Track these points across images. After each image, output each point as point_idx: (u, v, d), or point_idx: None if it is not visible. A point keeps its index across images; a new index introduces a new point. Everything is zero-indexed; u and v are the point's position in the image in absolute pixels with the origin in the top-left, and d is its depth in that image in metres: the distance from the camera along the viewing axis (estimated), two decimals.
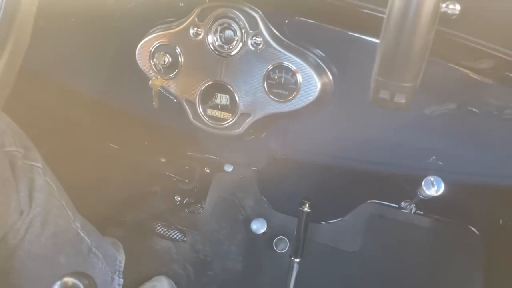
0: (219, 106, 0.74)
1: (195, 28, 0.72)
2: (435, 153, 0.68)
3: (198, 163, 1.49)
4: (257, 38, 0.69)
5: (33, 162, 0.78)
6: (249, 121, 0.73)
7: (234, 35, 0.70)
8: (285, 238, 1.30)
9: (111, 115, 1.12)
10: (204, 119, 0.76)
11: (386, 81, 0.47)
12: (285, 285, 1.26)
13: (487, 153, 0.66)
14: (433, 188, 0.65)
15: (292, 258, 1.02)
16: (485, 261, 1.18)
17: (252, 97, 0.71)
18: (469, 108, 0.63)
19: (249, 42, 0.69)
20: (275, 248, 1.30)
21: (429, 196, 0.66)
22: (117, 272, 0.96)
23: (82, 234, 0.86)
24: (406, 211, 1.29)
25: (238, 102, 0.72)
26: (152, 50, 0.75)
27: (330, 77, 0.68)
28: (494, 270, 1.15)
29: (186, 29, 0.72)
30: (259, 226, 1.33)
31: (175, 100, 0.79)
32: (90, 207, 1.28)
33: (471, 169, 0.70)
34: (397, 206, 1.30)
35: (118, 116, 1.09)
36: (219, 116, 0.75)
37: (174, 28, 0.74)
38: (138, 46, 0.76)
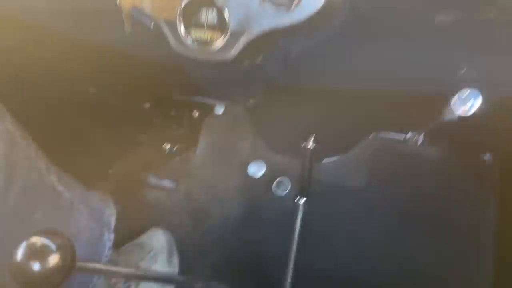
0: (205, 25, 0.61)
1: None
2: (465, 63, 0.57)
3: (186, 107, 1.38)
4: None
5: None
6: (242, 41, 0.60)
7: None
8: (286, 180, 1.22)
9: (82, 54, 0.98)
10: (188, 43, 0.63)
11: None
12: (289, 228, 1.19)
13: None
14: (469, 103, 0.55)
15: (296, 199, 0.94)
16: (499, 188, 1.11)
17: (245, 10, 0.59)
18: None
19: None
20: (275, 191, 1.22)
21: (461, 114, 0.56)
22: (106, 227, 0.87)
23: (60, 188, 0.76)
24: (412, 142, 1.20)
25: (227, 17, 0.59)
26: None
27: None
28: (509, 197, 1.09)
29: None
30: (256, 170, 1.24)
31: (151, 24, 0.66)
32: (73, 161, 1.18)
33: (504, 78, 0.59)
34: (403, 138, 1.22)
35: (90, 55, 0.95)
36: (206, 37, 0.62)
37: None
38: None
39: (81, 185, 0.87)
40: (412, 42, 0.61)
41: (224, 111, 1.33)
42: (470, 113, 0.56)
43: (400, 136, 1.22)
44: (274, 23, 0.59)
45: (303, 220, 1.04)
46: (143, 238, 1.19)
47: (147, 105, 1.36)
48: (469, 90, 0.56)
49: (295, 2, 0.56)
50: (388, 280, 1.16)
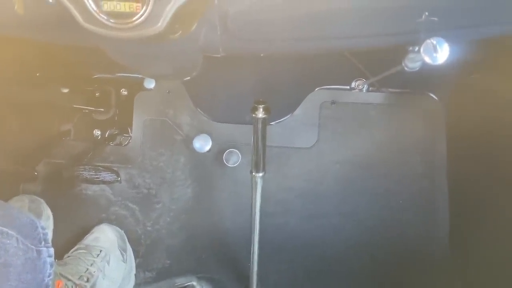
0: None
1: None
2: (424, 8, 0.50)
3: (111, 86, 1.22)
4: None
5: None
6: (170, 8, 0.49)
7: None
8: (236, 150, 1.14)
9: None
10: (102, 19, 0.50)
11: None
12: (245, 199, 1.14)
13: None
14: (437, 54, 0.50)
15: (253, 173, 0.87)
16: (446, 125, 1.12)
17: None
18: None
19: None
20: (226, 163, 1.14)
21: (432, 63, 0.51)
22: (43, 243, 0.74)
23: None
24: (358, 90, 1.17)
25: None
26: None
27: None
28: (456, 132, 1.10)
29: None
30: (202, 144, 1.14)
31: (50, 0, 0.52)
32: None
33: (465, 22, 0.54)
34: (348, 87, 1.18)
35: None
36: (122, 9, 0.50)
37: None
38: None
39: (1, 203, 0.73)
40: None
41: (156, 84, 1.20)
42: (440, 62, 0.50)
43: (344, 87, 1.18)
44: None
45: (246, 184, 0.99)
46: (88, 239, 1.07)
47: (65, 90, 1.19)
48: (434, 40, 0.50)
49: None
50: (349, 234, 1.15)
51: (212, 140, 1.15)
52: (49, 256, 0.75)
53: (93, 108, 1.21)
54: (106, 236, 1.08)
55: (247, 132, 1.16)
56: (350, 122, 1.17)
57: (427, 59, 0.51)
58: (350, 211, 1.15)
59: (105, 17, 0.50)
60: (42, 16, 0.56)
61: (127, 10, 0.50)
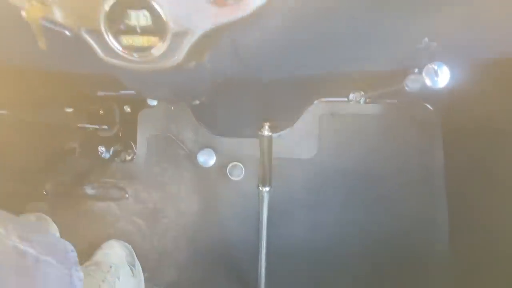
0: (138, 29, 0.52)
1: None
2: (425, 34, 0.54)
3: (115, 103, 1.25)
4: None
5: None
6: (187, 42, 0.52)
7: None
8: (239, 164, 1.17)
9: None
10: (122, 53, 0.53)
11: None
12: (249, 211, 1.16)
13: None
14: (438, 78, 0.53)
15: (260, 188, 0.90)
16: (443, 134, 1.16)
17: (186, 7, 0.50)
18: None
19: None
20: (230, 177, 1.17)
21: (433, 87, 0.54)
22: (74, 266, 0.76)
23: (23, 247, 0.64)
24: (355, 102, 1.21)
25: (165, 17, 0.50)
26: None
27: None
28: (452, 139, 1.14)
29: None
30: (207, 158, 1.17)
31: (68, 33, 0.55)
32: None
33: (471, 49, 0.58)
34: (346, 99, 1.21)
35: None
36: (141, 43, 0.53)
37: None
38: None
39: (39, 227, 0.75)
40: (364, 14, 0.57)
41: (159, 101, 1.22)
42: (441, 86, 0.54)
43: (342, 99, 1.21)
44: (219, 20, 0.51)
45: (255, 199, 1.02)
46: (98, 256, 1.09)
47: (69, 110, 1.21)
48: (435, 65, 0.54)
49: None
50: (352, 241, 1.18)
51: (216, 154, 1.18)
52: (80, 279, 0.77)
53: (97, 126, 1.23)
54: (115, 252, 1.10)
55: (249, 146, 1.19)
56: (349, 133, 1.21)
57: (429, 82, 0.54)
58: (352, 219, 1.19)
59: (124, 51, 0.53)
60: (60, 49, 0.58)
61: (146, 44, 0.53)
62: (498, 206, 0.97)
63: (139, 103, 1.24)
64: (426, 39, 0.55)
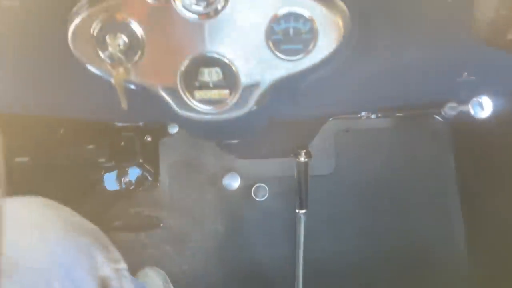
0: (211, 84, 0.56)
1: None
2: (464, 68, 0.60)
3: (136, 133, 1.28)
4: None
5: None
6: (257, 92, 0.56)
7: None
8: (263, 185, 1.21)
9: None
10: (196, 106, 0.57)
11: None
12: (274, 231, 1.21)
13: None
14: (483, 110, 0.59)
15: (298, 211, 0.95)
16: (452, 140, 1.23)
17: (256, 61, 0.54)
18: None
19: None
20: (255, 198, 1.21)
21: (474, 116, 0.60)
22: None
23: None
24: (368, 117, 1.27)
25: (237, 73, 0.55)
26: (96, 34, 0.51)
27: (347, 10, 0.53)
28: (462, 146, 1.22)
29: None
30: (231, 181, 1.21)
31: (144, 90, 0.59)
32: None
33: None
34: (358, 115, 1.27)
35: None
36: (214, 97, 0.57)
37: None
38: (70, 35, 0.52)
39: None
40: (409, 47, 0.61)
41: (180, 128, 1.26)
42: (483, 117, 0.60)
43: (355, 116, 1.27)
44: (287, 71, 0.56)
45: (281, 218, 1.06)
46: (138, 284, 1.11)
47: (91, 146, 1.24)
48: (480, 99, 0.60)
49: (310, 46, 0.53)
50: (375, 251, 1.24)
51: (240, 177, 1.22)
52: None
53: (120, 157, 1.26)
54: (151, 280, 1.13)
55: (271, 166, 1.24)
56: (364, 147, 1.27)
57: (472, 112, 0.60)
58: (372, 229, 1.25)
59: (198, 104, 0.57)
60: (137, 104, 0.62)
61: (218, 97, 0.57)
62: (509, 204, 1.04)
63: (159, 132, 1.27)
64: (466, 73, 0.61)
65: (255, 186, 1.21)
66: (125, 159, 1.27)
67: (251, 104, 0.57)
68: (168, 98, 0.57)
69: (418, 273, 1.22)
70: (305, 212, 0.95)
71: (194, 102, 0.57)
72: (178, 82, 0.55)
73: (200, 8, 0.51)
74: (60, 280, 0.58)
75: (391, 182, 1.25)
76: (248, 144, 1.28)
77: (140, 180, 1.27)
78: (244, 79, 0.55)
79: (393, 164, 1.25)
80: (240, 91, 0.56)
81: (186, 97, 0.56)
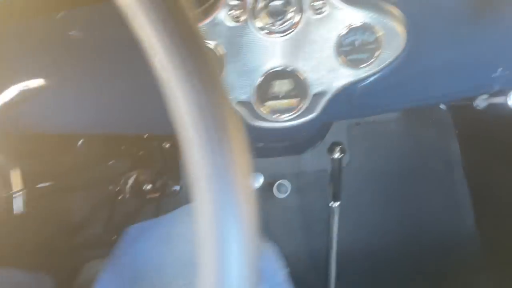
0: (281, 95, 0.60)
1: (231, 11, 0.53)
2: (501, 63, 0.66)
3: (154, 141, 1.29)
4: (317, 2, 0.54)
5: None
6: (325, 99, 0.61)
7: (286, 5, 0.54)
8: (284, 182, 1.26)
9: None
10: (267, 117, 0.61)
11: None
12: (298, 226, 1.26)
13: None
14: None
15: (332, 204, 1.01)
16: (456, 128, 1.32)
17: (324, 72, 0.59)
18: None
19: (308, 9, 0.54)
20: (277, 196, 1.26)
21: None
22: None
23: None
24: None
25: (308, 83, 0.59)
26: None
27: (406, 19, 0.58)
28: (465, 132, 1.31)
29: (218, 15, 0.53)
30: (254, 180, 1.25)
31: None
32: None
33: None
34: None
35: None
36: (283, 106, 0.61)
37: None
38: None
39: None
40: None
41: None
42: None
43: None
44: (352, 78, 0.60)
45: (300, 212, 1.11)
46: None
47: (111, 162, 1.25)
48: None
49: (376, 55, 0.58)
50: (393, 237, 1.31)
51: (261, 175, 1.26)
52: None
53: (139, 165, 1.27)
54: None
55: (290, 163, 1.28)
56: (375, 138, 1.34)
57: (511, 104, 0.67)
58: (389, 217, 1.32)
59: (268, 114, 0.61)
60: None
61: (288, 106, 0.61)
62: None
63: (177, 137, 1.29)
64: (501, 68, 0.68)
65: (277, 183, 1.25)
66: (146, 166, 1.29)
67: (318, 111, 0.62)
68: (240, 111, 0.61)
69: (432, 259, 1.29)
70: (339, 204, 1.01)
71: (264, 112, 0.61)
72: (251, 95, 0.59)
73: (275, 28, 0.55)
74: None
75: (402, 169, 1.32)
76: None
77: (162, 186, 1.29)
78: (314, 88, 0.60)
79: (403, 151, 1.33)
80: (310, 99, 0.60)
81: (259, 109, 0.60)
